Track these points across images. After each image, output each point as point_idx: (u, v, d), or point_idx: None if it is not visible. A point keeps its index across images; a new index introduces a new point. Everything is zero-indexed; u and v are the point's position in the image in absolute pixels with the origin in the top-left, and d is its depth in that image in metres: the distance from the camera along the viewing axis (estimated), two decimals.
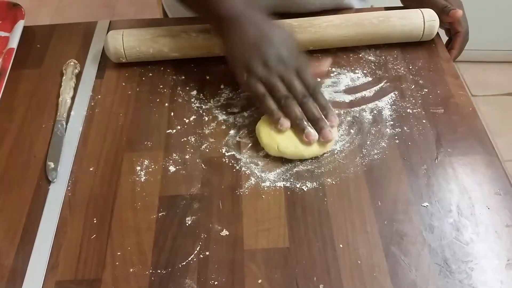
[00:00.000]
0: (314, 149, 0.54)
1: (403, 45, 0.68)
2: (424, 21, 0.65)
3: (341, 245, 0.48)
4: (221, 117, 0.60)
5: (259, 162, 0.55)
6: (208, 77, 0.65)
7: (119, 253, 0.48)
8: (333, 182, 0.53)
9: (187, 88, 0.64)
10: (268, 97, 0.55)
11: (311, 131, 0.54)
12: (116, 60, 0.65)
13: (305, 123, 0.54)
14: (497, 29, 1.73)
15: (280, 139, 0.55)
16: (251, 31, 0.56)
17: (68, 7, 2.16)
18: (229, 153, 0.56)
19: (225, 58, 0.59)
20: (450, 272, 0.46)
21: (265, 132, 0.56)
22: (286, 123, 0.54)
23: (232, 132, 0.58)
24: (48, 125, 0.60)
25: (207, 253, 0.48)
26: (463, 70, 1.77)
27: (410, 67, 0.65)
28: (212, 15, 0.60)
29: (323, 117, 0.55)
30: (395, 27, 0.66)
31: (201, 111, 0.61)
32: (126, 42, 0.63)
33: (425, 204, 0.51)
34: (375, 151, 0.55)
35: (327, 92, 0.62)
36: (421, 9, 0.67)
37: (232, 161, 0.55)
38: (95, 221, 0.51)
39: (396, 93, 0.62)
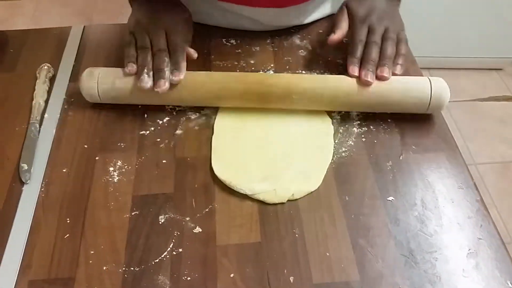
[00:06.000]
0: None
1: None
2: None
3: (310, 239, 0.49)
4: (194, 118, 0.61)
5: None
6: None
7: (92, 252, 0.48)
8: None
9: None
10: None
11: (143, 78, 0.57)
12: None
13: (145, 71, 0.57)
14: (469, 37, 1.79)
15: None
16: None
17: (43, 15, 2.15)
18: (202, 153, 0.57)
19: None
20: (415, 263, 0.48)
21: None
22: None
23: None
24: (22, 128, 0.60)
25: (180, 250, 0.49)
26: (435, 76, 1.81)
27: None
28: None
29: (166, 70, 0.58)
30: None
31: (174, 113, 0.62)
32: (101, 85, 0.59)
33: (391, 198, 0.53)
34: (343, 149, 0.57)
35: None
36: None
37: (205, 161, 0.56)
38: (68, 221, 0.51)
39: None
